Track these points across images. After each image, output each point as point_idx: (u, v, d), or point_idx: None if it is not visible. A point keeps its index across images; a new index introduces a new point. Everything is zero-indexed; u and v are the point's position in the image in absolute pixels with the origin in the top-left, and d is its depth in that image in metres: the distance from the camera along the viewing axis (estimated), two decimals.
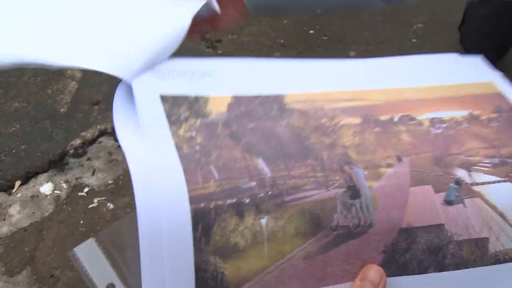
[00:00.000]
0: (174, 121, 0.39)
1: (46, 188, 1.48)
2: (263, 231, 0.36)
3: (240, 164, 0.38)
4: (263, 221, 0.36)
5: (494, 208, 0.41)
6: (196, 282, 0.34)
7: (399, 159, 0.41)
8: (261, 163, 0.38)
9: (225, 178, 0.37)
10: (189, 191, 0.35)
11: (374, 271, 0.38)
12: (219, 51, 2.13)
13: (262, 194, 0.37)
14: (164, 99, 0.40)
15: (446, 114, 0.46)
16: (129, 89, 0.40)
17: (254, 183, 0.37)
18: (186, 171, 0.36)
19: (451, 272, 0.40)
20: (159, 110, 0.39)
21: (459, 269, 0.40)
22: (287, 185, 0.38)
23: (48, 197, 1.47)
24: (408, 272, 0.39)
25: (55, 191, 1.49)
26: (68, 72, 1.80)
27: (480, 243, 0.40)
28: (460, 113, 0.46)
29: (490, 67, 0.52)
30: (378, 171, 0.40)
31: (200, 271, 0.34)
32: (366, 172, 0.40)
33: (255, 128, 0.40)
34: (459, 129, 0.45)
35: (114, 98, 0.41)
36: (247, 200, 0.36)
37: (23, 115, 1.69)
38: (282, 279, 0.36)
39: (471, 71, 0.51)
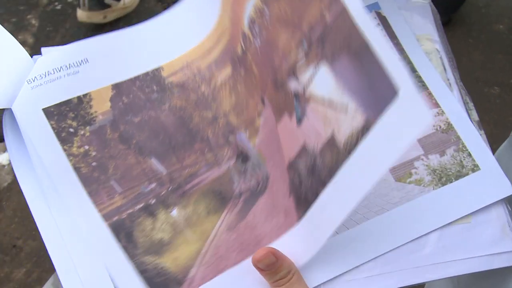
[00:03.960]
0: (64, 138, 0.40)
1: (3, 158, 1.46)
2: (178, 221, 0.41)
3: (137, 170, 0.41)
4: (174, 212, 0.41)
5: (322, 102, 0.38)
6: (146, 283, 0.39)
7: (263, 101, 0.43)
8: (155, 163, 0.41)
9: (127, 189, 0.40)
10: (99, 210, 0.39)
11: (259, 255, 0.38)
12: None
13: (164, 191, 0.41)
14: (48, 114, 0.41)
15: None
16: (13, 115, 0.40)
17: (154, 184, 0.41)
18: (90, 193, 0.40)
19: (331, 184, 0.36)
20: (47, 130, 0.40)
21: (334, 176, 0.36)
22: (183, 176, 0.41)
23: (6, 167, 1.45)
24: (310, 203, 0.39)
25: None
26: (19, 37, 1.65)
27: (332, 143, 0.37)
28: None
29: None
30: (255, 126, 0.43)
31: (144, 272, 0.39)
32: (247, 133, 0.42)
33: (141, 122, 0.42)
34: (267, 25, 0.41)
35: (3, 129, 0.42)
36: (153, 201, 0.40)
37: None
38: (221, 254, 0.40)
39: None
